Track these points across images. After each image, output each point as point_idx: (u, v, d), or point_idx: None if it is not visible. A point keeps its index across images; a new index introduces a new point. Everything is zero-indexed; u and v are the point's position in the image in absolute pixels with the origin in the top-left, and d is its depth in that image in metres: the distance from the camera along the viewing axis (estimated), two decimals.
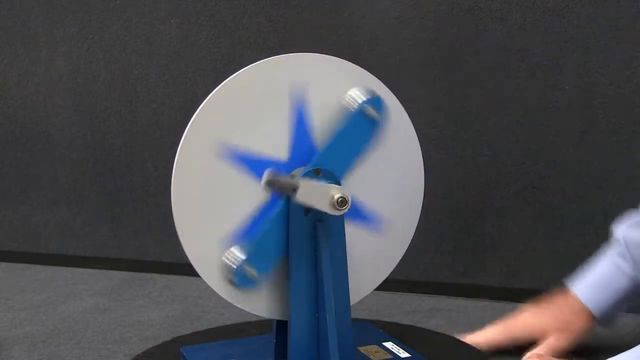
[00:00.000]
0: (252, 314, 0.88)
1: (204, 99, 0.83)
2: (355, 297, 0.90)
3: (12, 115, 1.79)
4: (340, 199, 0.82)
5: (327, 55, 0.88)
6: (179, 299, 1.34)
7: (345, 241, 0.86)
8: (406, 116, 0.91)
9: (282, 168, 0.85)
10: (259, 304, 0.88)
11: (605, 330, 1.02)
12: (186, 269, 0.88)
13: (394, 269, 0.94)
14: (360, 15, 1.43)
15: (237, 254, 0.84)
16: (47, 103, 1.75)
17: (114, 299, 1.36)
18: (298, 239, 0.85)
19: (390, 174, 0.91)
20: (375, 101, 0.85)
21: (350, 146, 0.86)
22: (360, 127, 0.86)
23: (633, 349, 0.82)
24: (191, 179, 0.84)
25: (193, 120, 0.83)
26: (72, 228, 1.77)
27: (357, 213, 0.89)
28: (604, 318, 0.99)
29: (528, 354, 0.96)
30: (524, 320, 1.01)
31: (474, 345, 1.01)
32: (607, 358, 0.83)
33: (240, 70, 0.84)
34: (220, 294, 0.86)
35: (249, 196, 0.85)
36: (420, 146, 0.93)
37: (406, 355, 0.93)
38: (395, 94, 0.91)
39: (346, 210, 0.83)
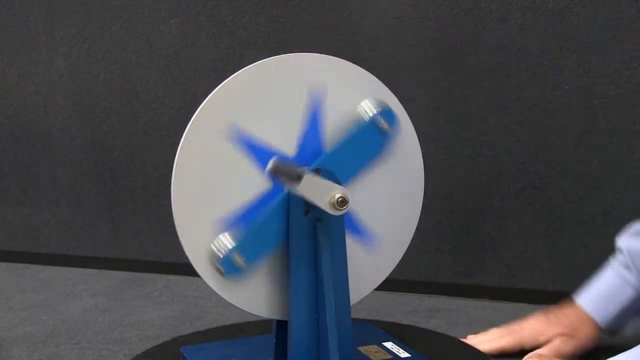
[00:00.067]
0: (252, 314, 0.88)
1: (204, 99, 0.83)
2: (355, 297, 0.90)
3: (12, 115, 1.79)
4: (340, 199, 0.82)
5: (349, 63, 0.88)
6: (179, 299, 1.34)
7: (345, 241, 0.87)
8: (406, 116, 0.92)
9: None
10: (249, 299, 0.87)
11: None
12: (186, 269, 0.88)
13: (394, 269, 0.94)
14: (360, 15, 1.43)
15: (226, 240, 0.83)
16: (47, 103, 1.75)
17: (114, 299, 1.36)
18: (298, 239, 0.85)
19: (391, 174, 0.91)
20: (387, 114, 0.87)
21: (357, 154, 0.87)
22: (370, 138, 0.87)
23: (633, 349, 0.82)
24: (196, 155, 0.84)
25: (211, 96, 0.83)
26: (72, 228, 1.77)
27: (352, 225, 0.89)
28: (611, 329, 0.99)
29: (529, 354, 0.96)
30: (529, 325, 1.01)
31: (476, 347, 1.01)
32: (607, 358, 0.83)
33: (269, 59, 0.85)
34: (204, 278, 0.85)
35: (250, 184, 0.85)
36: (420, 146, 0.93)
37: (406, 355, 0.93)
38: (395, 94, 0.91)
39: (346, 210, 0.83)
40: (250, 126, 0.85)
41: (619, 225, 1.29)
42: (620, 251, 0.99)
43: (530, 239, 1.38)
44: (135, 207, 1.70)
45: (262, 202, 0.85)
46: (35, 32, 1.72)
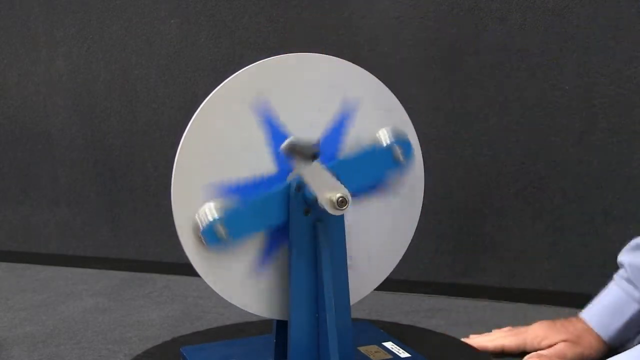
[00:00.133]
0: (252, 314, 0.88)
1: (204, 99, 0.83)
2: (355, 297, 0.90)
3: (12, 115, 1.79)
4: (340, 199, 0.82)
5: (382, 84, 0.91)
6: (179, 299, 1.34)
7: (345, 241, 0.87)
8: (406, 116, 0.92)
9: None
10: (249, 299, 0.87)
11: None
12: (186, 269, 0.88)
13: (394, 269, 0.94)
14: (360, 15, 1.43)
15: (214, 209, 0.82)
16: (47, 103, 1.75)
17: (114, 299, 1.36)
18: (298, 238, 0.85)
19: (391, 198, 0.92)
20: (406, 146, 0.89)
21: (366, 171, 0.88)
22: (383, 161, 0.89)
23: (633, 348, 0.82)
24: (216, 113, 0.83)
25: (254, 66, 0.84)
26: (72, 228, 1.77)
27: None
28: (616, 343, 0.99)
29: (530, 354, 0.96)
30: (534, 329, 1.01)
31: (478, 346, 1.01)
32: (607, 358, 0.83)
33: (318, 55, 0.87)
34: (185, 248, 0.83)
35: (256, 161, 0.85)
36: (420, 146, 0.93)
37: (406, 355, 0.93)
38: (395, 94, 0.91)
39: (346, 210, 0.83)
40: (279, 107, 0.85)
41: (619, 225, 1.29)
42: (622, 266, 0.99)
43: (530, 239, 1.38)
44: (135, 207, 1.70)
45: (262, 184, 0.85)
46: (35, 32, 1.72)
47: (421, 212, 0.94)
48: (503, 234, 1.39)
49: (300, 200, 0.84)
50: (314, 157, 0.82)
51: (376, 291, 0.94)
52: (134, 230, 1.71)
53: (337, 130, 0.88)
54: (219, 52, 1.56)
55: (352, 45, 1.44)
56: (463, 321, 1.17)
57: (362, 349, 0.95)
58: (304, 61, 0.87)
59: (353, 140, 0.89)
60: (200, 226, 0.82)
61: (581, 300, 1.03)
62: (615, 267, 1.00)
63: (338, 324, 0.85)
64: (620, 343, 0.98)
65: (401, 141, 0.89)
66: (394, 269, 0.94)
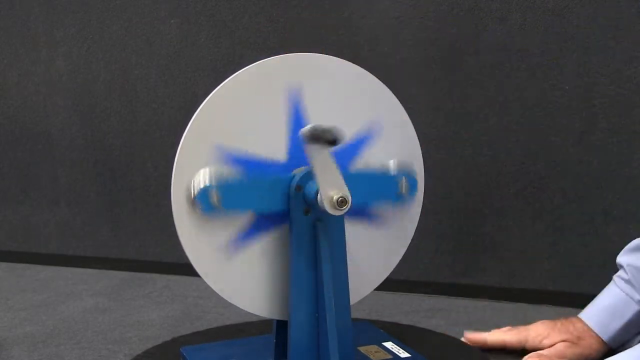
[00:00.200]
0: (252, 314, 0.88)
1: (205, 99, 0.83)
2: (355, 297, 0.90)
3: (12, 115, 1.79)
4: (340, 199, 0.82)
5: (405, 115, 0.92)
6: (179, 299, 1.34)
7: (345, 241, 0.87)
8: (406, 116, 0.92)
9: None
10: (249, 299, 0.87)
11: None
12: (186, 269, 0.88)
13: (394, 269, 0.94)
14: (360, 15, 1.43)
15: (213, 174, 0.82)
16: (47, 103, 1.75)
17: (114, 299, 1.36)
18: (298, 238, 0.85)
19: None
20: (412, 182, 0.90)
21: (367, 190, 0.89)
22: (386, 188, 0.90)
23: (633, 348, 0.82)
24: (251, 84, 0.84)
25: (303, 55, 0.86)
26: (72, 228, 1.77)
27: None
28: (616, 344, 0.99)
29: (530, 354, 0.96)
30: (535, 328, 1.01)
31: (479, 340, 1.01)
32: (607, 358, 0.83)
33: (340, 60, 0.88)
34: (175, 216, 0.83)
35: (271, 141, 0.86)
36: (420, 146, 0.93)
37: (406, 355, 0.93)
38: (395, 94, 0.91)
39: (346, 210, 0.83)
40: (309, 104, 0.86)
41: (619, 225, 1.29)
42: (621, 267, 0.99)
43: (530, 239, 1.38)
44: (135, 207, 1.70)
45: (268, 167, 0.85)
46: (35, 32, 1.72)
47: (421, 212, 0.94)
48: (503, 234, 1.39)
49: (300, 200, 0.84)
50: (333, 142, 0.81)
51: (376, 291, 0.94)
52: (134, 230, 1.71)
53: (354, 148, 0.89)
54: (219, 52, 1.56)
55: (352, 45, 1.44)
56: (463, 321, 1.17)
57: (362, 349, 0.95)
58: (349, 73, 0.89)
59: (362, 164, 0.90)
60: (196, 189, 0.82)
61: (581, 300, 1.03)
62: (615, 267, 1.00)
63: (338, 323, 0.85)
64: (620, 343, 0.99)
65: (409, 176, 0.90)
66: (394, 269, 0.94)
